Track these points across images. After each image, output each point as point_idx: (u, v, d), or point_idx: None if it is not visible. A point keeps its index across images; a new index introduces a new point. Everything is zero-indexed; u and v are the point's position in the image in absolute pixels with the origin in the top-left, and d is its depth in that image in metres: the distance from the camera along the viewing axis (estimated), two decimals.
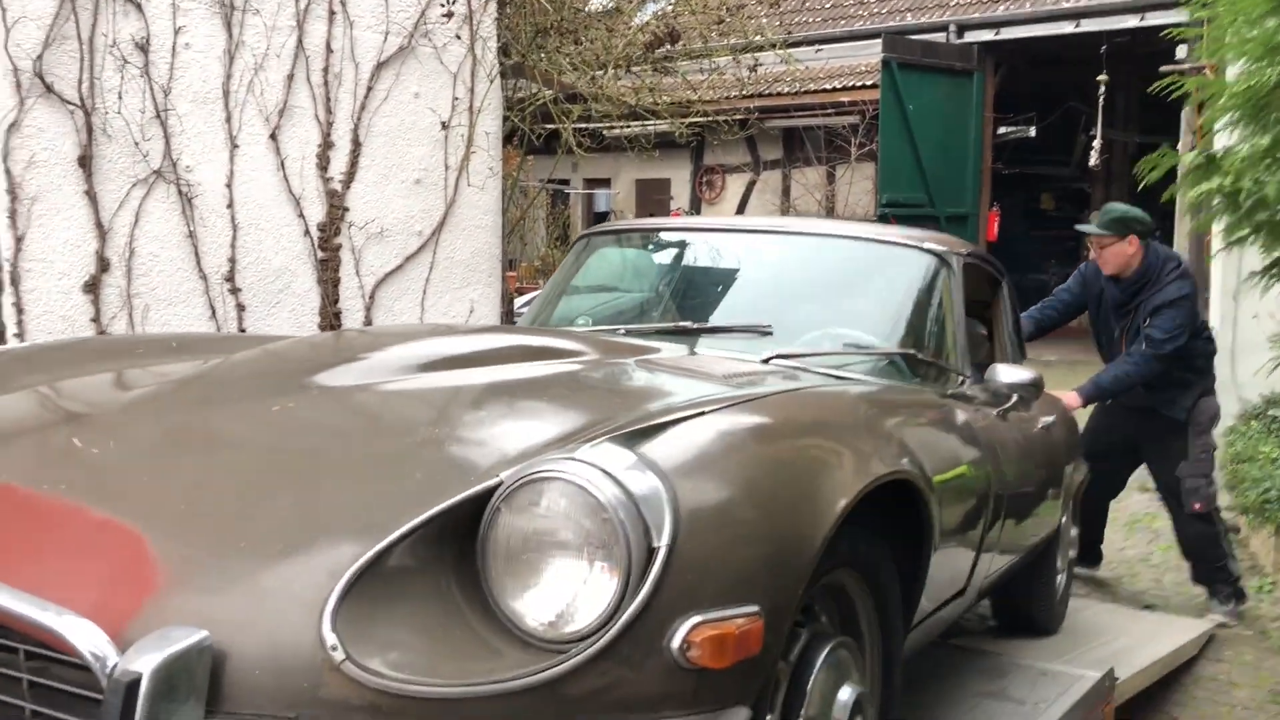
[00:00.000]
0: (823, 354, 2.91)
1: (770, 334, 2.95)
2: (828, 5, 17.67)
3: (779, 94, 15.98)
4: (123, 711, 1.22)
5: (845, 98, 15.57)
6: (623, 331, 3.03)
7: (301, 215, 4.61)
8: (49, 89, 3.90)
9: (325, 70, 4.61)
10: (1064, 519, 4.03)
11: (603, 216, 18.95)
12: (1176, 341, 4.53)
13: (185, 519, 1.54)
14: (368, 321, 4.89)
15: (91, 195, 4.04)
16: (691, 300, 3.46)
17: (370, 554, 1.37)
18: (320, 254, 4.69)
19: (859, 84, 15.64)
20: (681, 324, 3.09)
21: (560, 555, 1.41)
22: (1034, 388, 3.14)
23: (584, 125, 7.36)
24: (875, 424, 2.11)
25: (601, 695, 1.35)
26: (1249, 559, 6.11)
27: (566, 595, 1.39)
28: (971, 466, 2.58)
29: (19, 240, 3.87)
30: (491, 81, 5.10)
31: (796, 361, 2.77)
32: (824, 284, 3.38)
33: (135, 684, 1.22)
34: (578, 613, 1.38)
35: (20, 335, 3.89)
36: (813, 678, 1.71)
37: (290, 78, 4.52)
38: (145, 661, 1.24)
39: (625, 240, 3.94)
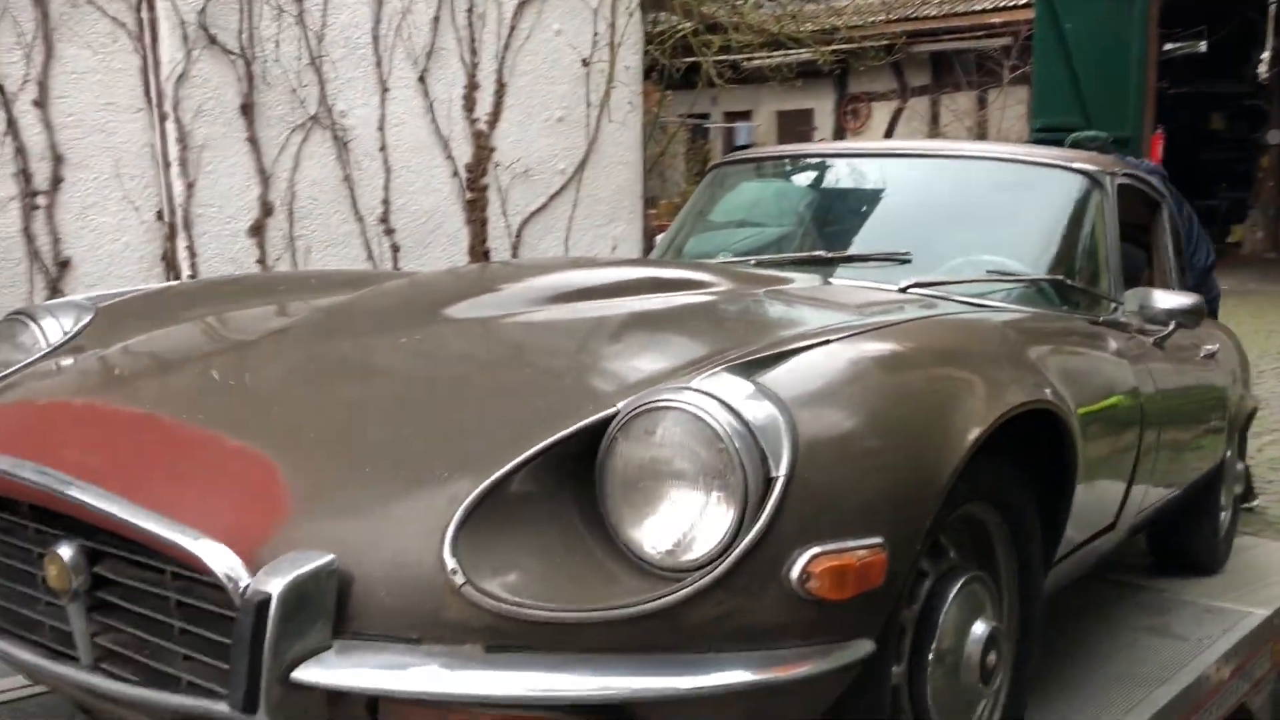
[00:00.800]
0: (963, 281, 2.80)
1: (909, 261, 2.85)
2: None
3: (926, 17, 15.46)
4: (254, 629, 1.28)
5: (997, 19, 14.95)
6: (754, 262, 3.00)
7: (450, 157, 4.73)
8: (213, 40, 4.07)
9: (470, 11, 4.69)
10: (1229, 453, 3.86)
11: (744, 149, 18.69)
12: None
13: (314, 447, 1.61)
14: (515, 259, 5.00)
15: (254, 141, 4.22)
16: (826, 228, 3.39)
17: (489, 481, 1.41)
18: (469, 194, 4.81)
19: (1011, 4, 14.97)
20: (815, 253, 3.02)
21: (677, 484, 1.41)
22: (1194, 314, 2.98)
23: (724, 57, 7.29)
24: (1015, 352, 2.04)
25: (719, 624, 1.36)
26: None
27: (684, 524, 1.40)
28: (1121, 396, 2.48)
29: (190, 186, 4.07)
30: (631, 15, 5.11)
31: (936, 290, 2.70)
32: (966, 208, 3.24)
33: (265, 603, 1.29)
34: (695, 541, 1.38)
35: (194, 277, 4.12)
36: (944, 612, 1.70)
37: (436, 20, 4.61)
38: (275, 583, 1.30)
39: (757, 169, 3.87)
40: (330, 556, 1.33)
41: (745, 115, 18.30)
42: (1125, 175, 3.26)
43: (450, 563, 1.32)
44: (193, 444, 1.61)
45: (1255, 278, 15.05)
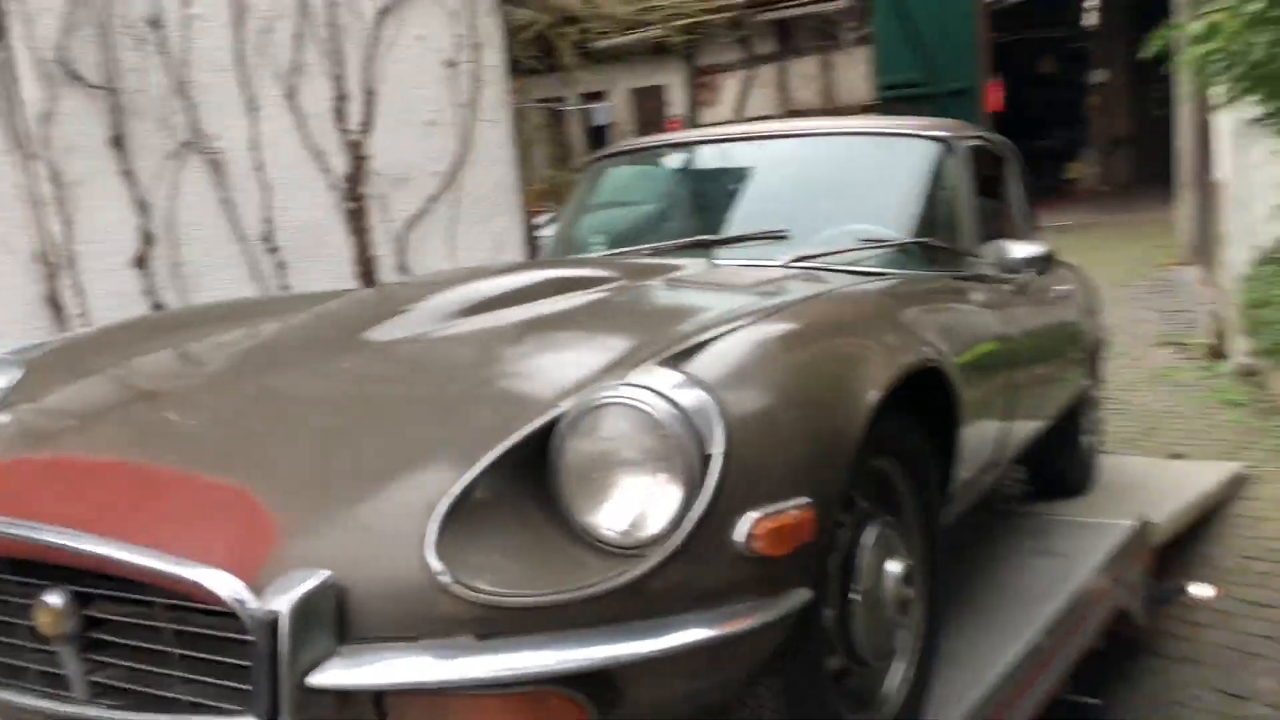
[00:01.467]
0: (838, 251, 3.00)
1: (786, 238, 3.07)
2: None
3: None
4: (269, 645, 1.39)
5: None
6: (647, 251, 3.16)
7: (326, 169, 4.76)
8: (74, 75, 4.02)
9: (331, 25, 4.71)
10: (1087, 381, 4.20)
11: (601, 130, 18.89)
12: None
13: (285, 474, 1.69)
14: (401, 265, 5.06)
15: (128, 173, 4.19)
16: (705, 211, 3.57)
17: (460, 488, 1.53)
18: (349, 204, 4.85)
19: None
20: (700, 238, 3.18)
21: (626, 471, 1.56)
22: (1045, 260, 3.28)
23: (581, 45, 7.42)
24: (898, 317, 2.26)
25: (678, 590, 1.51)
26: (1269, 402, 6.29)
27: (636, 505, 1.54)
28: (991, 343, 2.74)
29: (67, 224, 4.03)
30: (490, 16, 5.20)
31: (815, 261, 2.90)
32: (832, 182, 3.45)
33: (275, 621, 1.40)
34: (649, 520, 1.52)
35: (83, 315, 4.08)
36: (863, 556, 1.90)
37: (298, 37, 4.62)
38: (282, 602, 1.41)
39: (635, 160, 4.03)
40: (327, 573, 1.44)
41: (600, 96, 18.43)
42: (974, 137, 3.53)
43: (436, 565, 1.45)
44: (165, 484, 1.70)
45: (1093, 211, 15.93)
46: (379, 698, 1.47)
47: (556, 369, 1.95)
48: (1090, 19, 13.85)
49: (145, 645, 1.59)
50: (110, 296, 4.16)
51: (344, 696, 1.45)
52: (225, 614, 1.51)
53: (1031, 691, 2.55)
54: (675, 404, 1.54)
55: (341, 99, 4.79)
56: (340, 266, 4.85)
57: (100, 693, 1.63)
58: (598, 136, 18.62)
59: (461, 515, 1.52)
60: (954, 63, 14.81)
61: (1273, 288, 6.21)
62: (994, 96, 15.69)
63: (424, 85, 5.04)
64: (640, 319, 2.38)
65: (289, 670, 1.40)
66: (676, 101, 18.22)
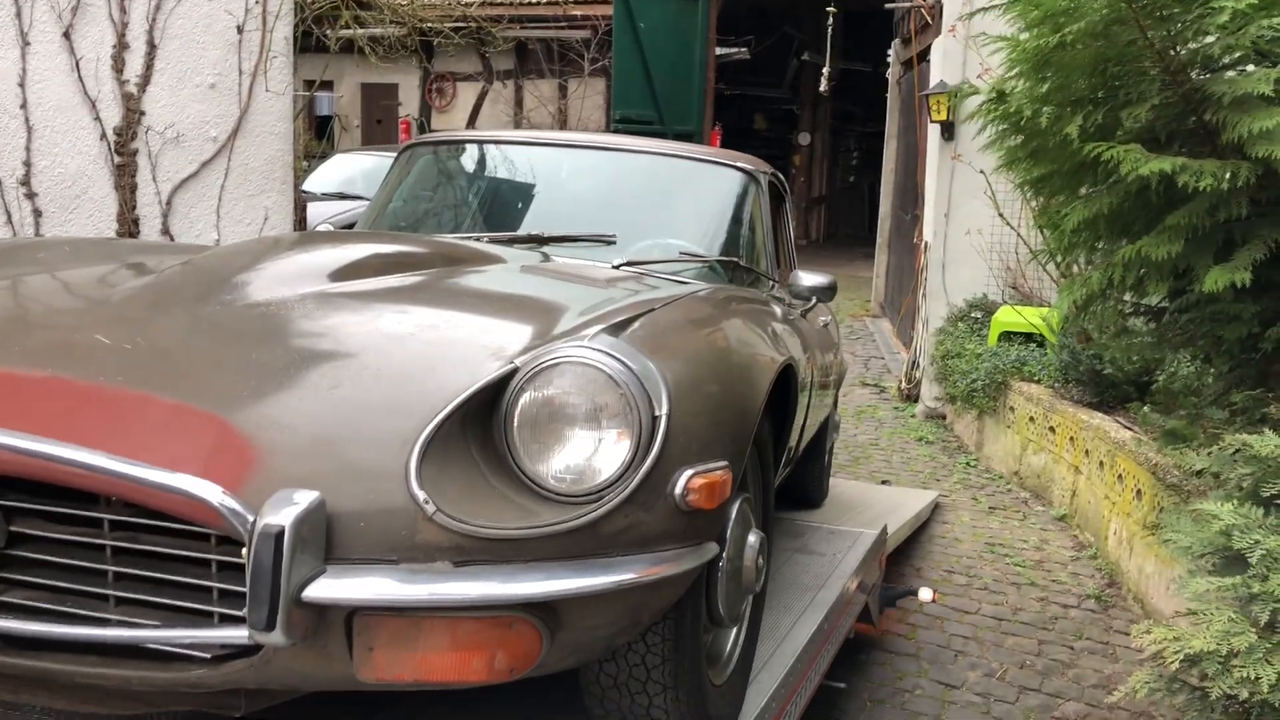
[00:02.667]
0: (663, 261, 3.26)
1: (614, 243, 3.28)
2: None
3: (509, 3, 16.02)
4: (273, 558, 1.42)
5: (578, 11, 15.82)
6: (486, 239, 3.26)
7: (98, 119, 4.49)
8: None
9: None
10: (832, 406, 4.67)
11: (325, 120, 18.42)
12: None
13: (255, 402, 1.67)
14: (165, 229, 4.83)
15: None
16: (523, 210, 3.70)
17: (431, 427, 1.60)
18: (117, 159, 4.59)
19: None
20: (533, 234, 3.31)
21: (579, 426, 1.67)
22: (830, 290, 3.67)
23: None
24: (762, 320, 2.54)
25: (623, 534, 1.65)
26: (955, 441, 7.14)
27: (584, 458, 1.66)
28: (802, 355, 3.07)
29: None
30: None
31: (642, 268, 3.13)
32: (648, 197, 3.70)
33: (280, 535, 1.42)
34: (599, 472, 1.65)
35: None
36: (731, 527, 2.07)
37: None
38: (284, 516, 1.43)
39: (449, 152, 4.09)
40: (318, 494, 1.48)
41: (328, 86, 17.91)
42: (770, 174, 3.89)
43: (421, 494, 1.53)
44: (116, 400, 1.64)
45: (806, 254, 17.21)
46: (350, 616, 1.51)
47: (495, 331, 2.04)
48: (824, 87, 15.04)
49: (80, 564, 1.55)
50: None
51: (319, 614, 1.49)
52: (183, 532, 1.52)
53: (818, 664, 2.87)
54: (628, 366, 1.69)
55: (122, 47, 4.54)
56: (101, 221, 4.58)
57: (14, 612, 1.57)
58: (321, 126, 18.14)
59: (433, 452, 1.59)
60: (682, 106, 15.64)
61: (964, 342, 7.08)
62: (715, 144, 16.70)
63: (210, 47, 4.86)
64: (547, 295, 2.48)
65: (287, 583, 1.43)
66: (410, 102, 18.02)
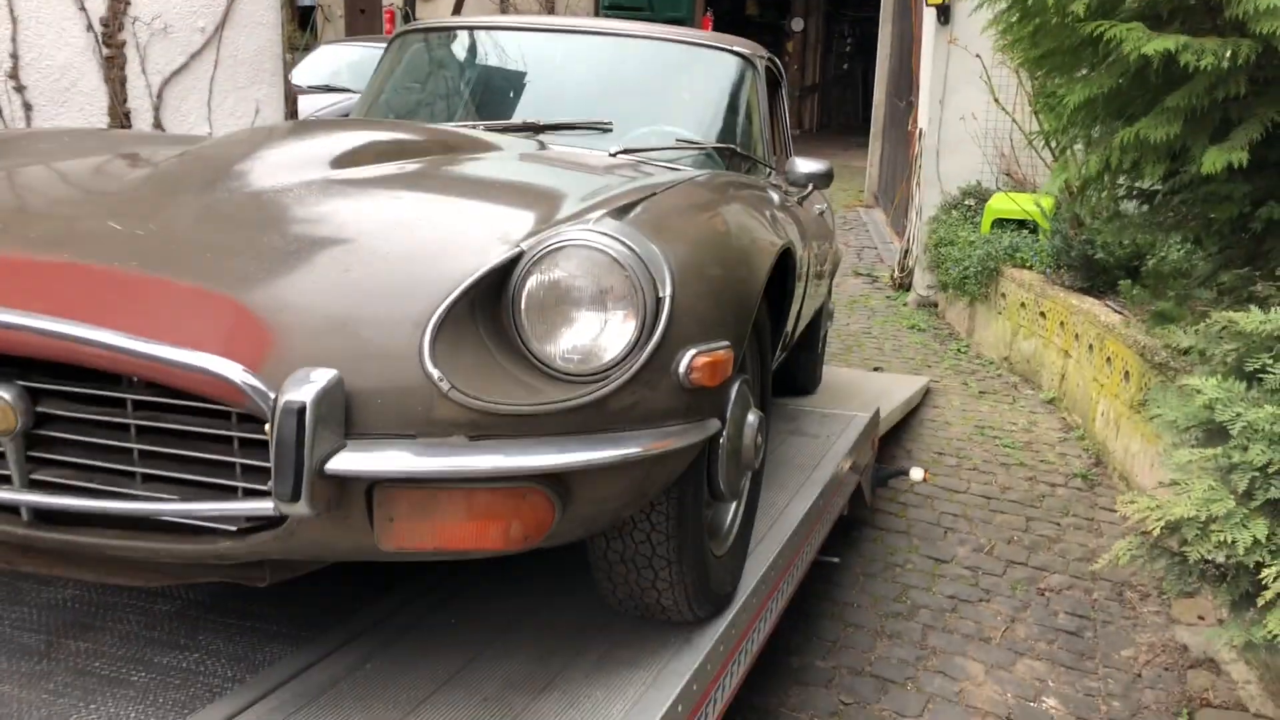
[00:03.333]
0: (661, 148, 3.26)
1: (610, 130, 3.28)
2: None
3: None
4: (296, 432, 1.47)
5: None
6: (482, 128, 3.25)
7: (83, 9, 4.41)
8: None
9: None
10: (826, 294, 4.72)
11: (308, 11, 18.02)
12: None
13: (267, 284, 1.70)
14: (156, 123, 4.80)
15: None
16: (518, 97, 3.68)
17: (442, 308, 1.63)
18: (105, 51, 4.53)
19: None
20: (530, 122, 3.31)
21: (585, 307, 1.70)
22: (826, 177, 3.69)
23: None
24: (760, 206, 2.57)
25: (629, 410, 1.71)
26: (947, 328, 7.22)
27: (590, 338, 1.70)
28: (794, 241, 3.11)
29: None
30: None
31: (639, 155, 3.13)
32: (644, 83, 3.67)
33: (303, 410, 1.47)
34: (605, 351, 1.69)
35: None
36: (731, 406, 2.13)
37: None
38: (305, 392, 1.47)
39: (441, 39, 4.04)
40: (335, 372, 1.53)
41: None
42: (766, 58, 3.87)
43: (436, 373, 1.58)
44: (132, 284, 1.66)
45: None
46: (370, 489, 1.58)
47: (498, 217, 2.06)
48: None
49: (106, 442, 1.61)
50: None
51: (341, 486, 1.55)
52: (204, 410, 1.57)
53: (811, 541, 2.98)
54: (633, 249, 1.72)
55: None
56: (92, 114, 4.54)
57: (45, 489, 1.63)
58: (304, 17, 17.75)
59: (441, 335, 1.64)
60: None
61: (957, 230, 7.10)
62: (705, 29, 16.40)
63: None
64: (548, 181, 2.49)
65: (310, 456, 1.49)
66: None
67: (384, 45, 11.46)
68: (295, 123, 3.02)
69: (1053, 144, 5.88)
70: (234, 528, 1.63)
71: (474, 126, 3.26)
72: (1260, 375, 2.39)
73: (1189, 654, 3.35)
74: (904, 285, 8.07)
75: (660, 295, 1.73)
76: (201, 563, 1.70)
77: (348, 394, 1.56)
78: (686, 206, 2.14)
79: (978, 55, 6.60)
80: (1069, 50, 2.79)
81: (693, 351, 1.77)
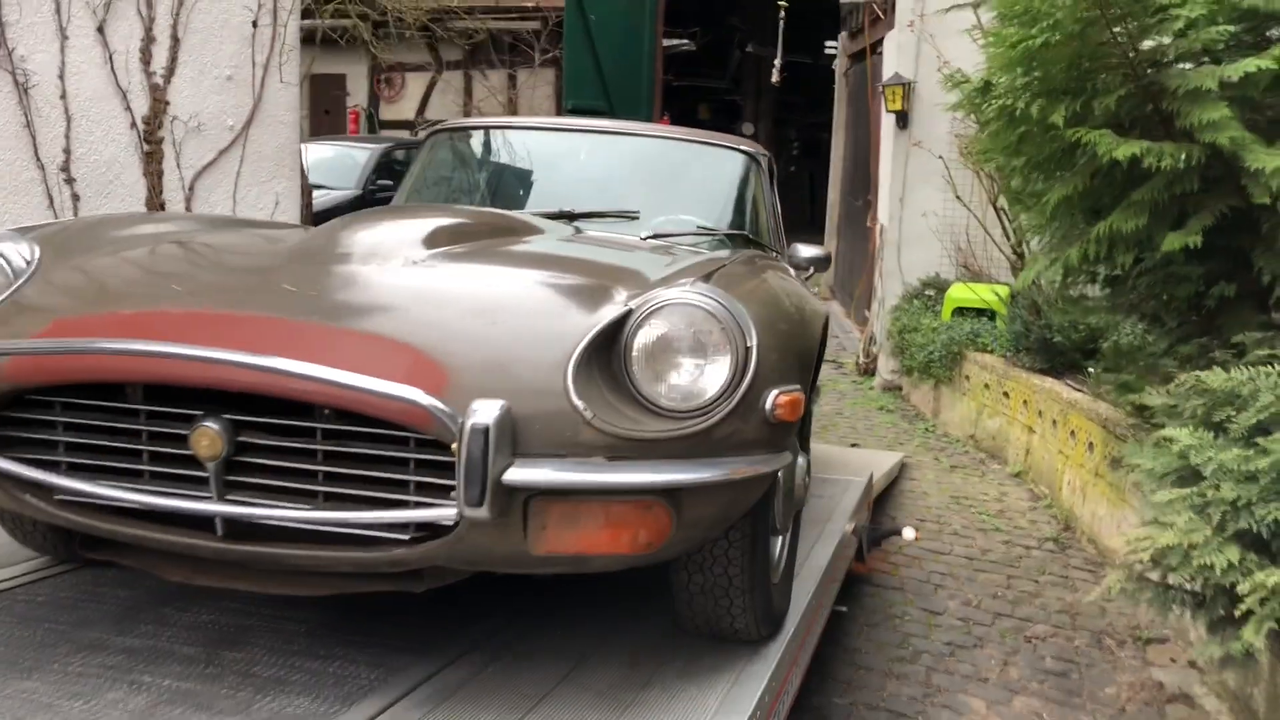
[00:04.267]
0: (685, 234, 3.62)
1: (637, 218, 3.60)
2: None
3: None
4: (482, 449, 1.78)
5: (529, 3, 16.09)
6: (532, 214, 3.59)
7: (128, 108, 4.76)
8: None
9: None
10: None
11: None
12: None
13: (431, 334, 2.01)
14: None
15: None
16: (548, 189, 3.99)
17: (579, 350, 1.96)
18: (146, 146, 4.86)
19: None
20: (563, 210, 3.58)
21: (686, 355, 2.02)
22: (825, 261, 4.11)
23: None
24: (792, 280, 2.97)
25: (729, 439, 2.01)
26: (914, 410, 7.65)
27: (691, 380, 2.01)
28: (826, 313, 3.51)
29: None
30: None
31: (668, 240, 3.49)
32: (661, 177, 4.04)
33: (486, 431, 1.78)
34: (705, 391, 1.99)
35: None
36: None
37: None
38: (487, 416, 1.80)
39: (471, 136, 4.42)
40: (506, 401, 1.86)
41: None
42: (767, 156, 4.30)
43: (580, 404, 1.91)
44: (318, 333, 1.98)
45: None
46: (527, 500, 1.89)
47: (597, 283, 2.36)
48: (775, 78, 15.55)
49: (296, 465, 1.91)
50: None
51: (509, 496, 1.85)
52: (384, 437, 1.88)
53: (835, 579, 3.30)
54: (725, 306, 2.07)
55: (149, 41, 4.81)
56: (133, 205, 4.84)
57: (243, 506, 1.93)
58: None
59: (577, 373, 1.96)
60: (632, 95, 16.00)
61: (919, 318, 7.58)
62: None
63: (227, 41, 5.14)
64: (621, 257, 2.84)
65: (492, 470, 1.80)
66: (358, 92, 18.15)
67: (352, 144, 11.88)
68: (374, 211, 3.33)
69: (1012, 234, 6.40)
70: (407, 536, 1.93)
71: (518, 213, 3.51)
72: (1225, 425, 2.79)
73: (1165, 690, 3.70)
74: (869, 371, 8.52)
75: (748, 344, 2.06)
76: (374, 571, 1.99)
77: (513, 420, 1.88)
78: (748, 275, 2.52)
79: (940, 156, 7.16)
80: (1048, 156, 3.24)
81: (775, 391, 2.11)
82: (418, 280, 2.31)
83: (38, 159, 4.42)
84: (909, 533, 4.75)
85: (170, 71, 4.91)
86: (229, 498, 1.95)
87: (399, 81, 18.16)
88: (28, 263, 2.30)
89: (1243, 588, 2.51)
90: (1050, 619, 4.21)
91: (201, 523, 1.97)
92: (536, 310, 2.19)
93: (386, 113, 18.23)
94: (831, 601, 3.36)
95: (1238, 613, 2.54)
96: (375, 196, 12.01)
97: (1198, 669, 3.81)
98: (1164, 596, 2.91)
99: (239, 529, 1.97)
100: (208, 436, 1.89)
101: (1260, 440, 2.63)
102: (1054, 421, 5.55)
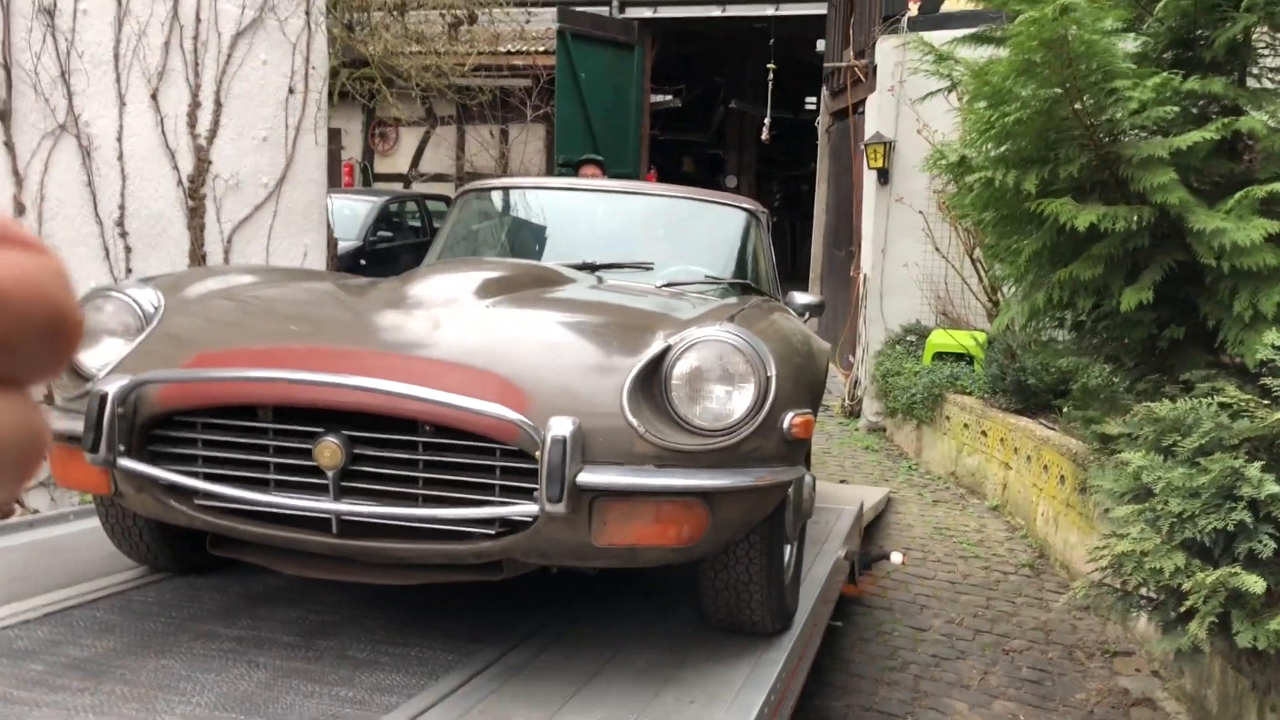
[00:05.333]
0: (694, 282, 4.03)
1: (652, 268, 4.04)
2: None
3: (456, 53, 16.79)
4: (561, 456, 2.15)
5: (519, 61, 16.66)
6: (555, 264, 3.99)
7: (175, 167, 5.17)
8: None
9: (195, 38, 5.17)
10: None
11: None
12: None
13: (510, 366, 2.38)
14: (226, 263, 5.50)
15: (9, 146, 4.44)
16: (575, 242, 4.34)
17: (630, 378, 2.35)
18: (190, 202, 5.26)
19: (531, 50, 16.74)
20: (586, 261, 3.96)
21: (719, 382, 2.39)
22: (820, 307, 4.53)
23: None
24: (797, 323, 3.39)
25: (752, 453, 2.39)
26: (897, 449, 8.06)
27: (721, 404, 2.38)
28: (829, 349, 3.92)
29: None
30: (322, 51, 5.83)
31: (679, 288, 3.90)
32: (670, 232, 4.50)
33: (564, 440, 2.15)
34: (733, 413, 2.36)
35: None
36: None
37: (167, 44, 5.04)
38: (565, 429, 2.17)
39: (499, 195, 4.81)
40: (577, 418, 2.25)
41: None
42: (765, 212, 4.72)
43: (635, 422, 2.31)
44: (421, 365, 2.37)
45: None
46: (591, 501, 2.27)
47: (636, 324, 2.76)
48: (765, 135, 16.14)
49: (399, 473, 2.30)
50: None
51: (580, 495, 2.24)
52: (474, 449, 2.27)
53: (833, 591, 3.69)
54: (749, 343, 2.47)
55: (195, 106, 5.23)
56: (178, 257, 5.24)
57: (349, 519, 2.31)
58: None
59: (629, 397, 2.36)
60: (620, 150, 16.62)
61: (901, 362, 8.02)
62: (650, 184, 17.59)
63: (264, 105, 5.57)
64: (647, 302, 3.24)
65: (569, 473, 2.19)
66: (352, 146, 18.64)
67: (353, 197, 12.38)
68: (441, 264, 3.68)
69: (1001, 287, 6.87)
70: (492, 531, 2.31)
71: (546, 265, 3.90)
72: (1173, 449, 3.22)
73: (1130, 695, 4.09)
74: (854, 412, 8.94)
75: (769, 374, 2.45)
76: (462, 562, 2.37)
77: (583, 434, 2.27)
78: (762, 317, 2.93)
79: (920, 211, 7.65)
80: (1019, 216, 3.69)
81: (791, 413, 2.51)
82: (490, 321, 2.71)
83: (96, 215, 4.82)
84: (896, 557, 5.14)
85: (213, 133, 5.33)
86: (344, 500, 2.33)
87: (393, 135, 18.68)
88: (155, 308, 2.67)
89: (1187, 586, 2.92)
90: (1026, 634, 4.60)
91: (318, 523, 2.34)
92: (594, 346, 2.62)
93: (381, 165, 18.74)
94: (828, 616, 3.75)
95: (1182, 609, 2.94)
96: (375, 248, 12.46)
97: (1159, 677, 4.20)
98: (1124, 602, 3.31)
99: (350, 527, 2.34)
100: (329, 449, 2.27)
101: (1201, 460, 3.05)
102: (1028, 457, 5.97)
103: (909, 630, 4.58)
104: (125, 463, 2.38)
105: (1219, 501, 2.99)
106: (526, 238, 4.60)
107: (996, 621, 4.74)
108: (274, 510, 2.35)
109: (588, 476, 2.25)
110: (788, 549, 3.08)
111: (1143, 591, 3.27)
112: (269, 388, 2.32)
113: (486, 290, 2.92)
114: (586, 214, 4.61)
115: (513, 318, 2.77)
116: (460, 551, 2.33)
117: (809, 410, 2.62)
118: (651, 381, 2.46)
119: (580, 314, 2.98)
